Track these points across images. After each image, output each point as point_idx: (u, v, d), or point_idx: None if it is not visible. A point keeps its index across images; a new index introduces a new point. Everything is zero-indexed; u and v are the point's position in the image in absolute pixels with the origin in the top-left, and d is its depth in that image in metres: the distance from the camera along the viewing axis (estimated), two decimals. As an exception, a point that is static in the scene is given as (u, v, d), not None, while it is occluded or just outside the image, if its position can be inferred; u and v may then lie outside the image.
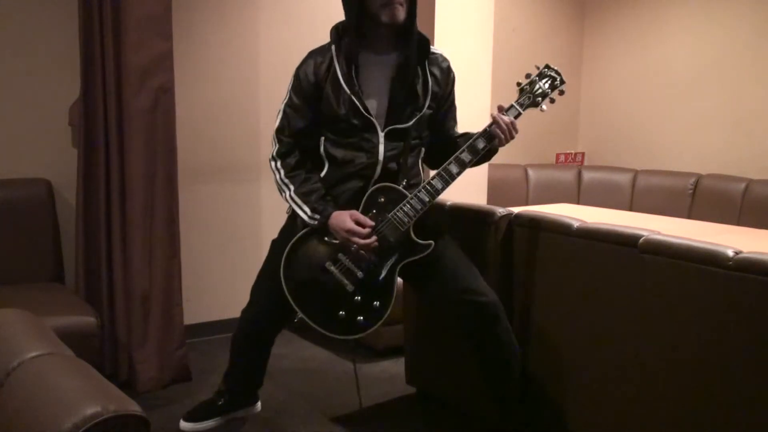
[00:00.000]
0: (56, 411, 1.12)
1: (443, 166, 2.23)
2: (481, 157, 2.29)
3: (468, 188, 3.81)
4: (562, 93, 2.31)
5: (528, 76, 2.31)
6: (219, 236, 3.76)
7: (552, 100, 2.30)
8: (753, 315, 1.81)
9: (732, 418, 1.87)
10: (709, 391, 1.92)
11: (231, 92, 3.72)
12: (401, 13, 2.19)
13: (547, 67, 2.31)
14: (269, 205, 3.89)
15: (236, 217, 3.81)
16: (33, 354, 1.35)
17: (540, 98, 2.27)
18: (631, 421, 2.15)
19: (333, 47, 2.30)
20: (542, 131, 5.23)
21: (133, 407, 1.15)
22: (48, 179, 3.17)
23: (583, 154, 5.58)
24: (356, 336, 2.31)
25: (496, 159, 3.17)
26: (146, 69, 2.86)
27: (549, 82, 2.28)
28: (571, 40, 5.48)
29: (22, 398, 1.23)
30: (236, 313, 3.77)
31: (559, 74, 2.30)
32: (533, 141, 5.17)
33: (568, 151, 5.52)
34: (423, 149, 2.40)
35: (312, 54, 2.34)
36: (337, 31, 2.33)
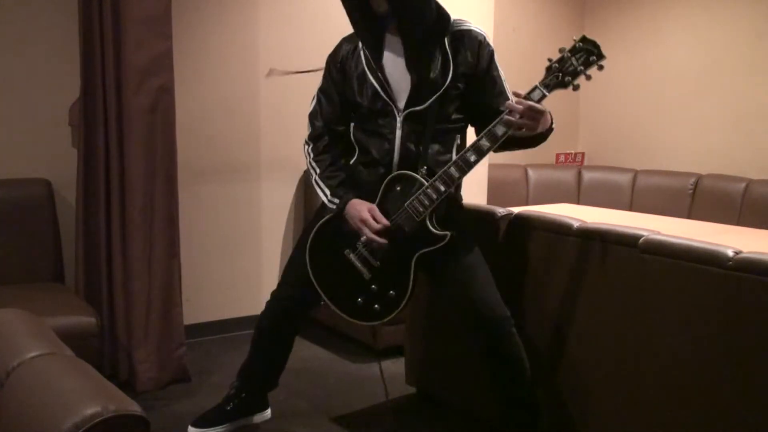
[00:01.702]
0: (56, 411, 1.12)
1: (461, 153, 2.16)
2: (525, 143, 2.21)
3: (468, 188, 3.81)
4: (600, 68, 2.07)
5: (561, 50, 2.08)
6: (219, 236, 3.76)
7: (588, 77, 2.06)
8: (753, 315, 1.81)
9: (732, 418, 1.87)
10: (709, 390, 1.92)
11: (231, 92, 3.72)
12: (381, 6, 2.16)
13: (583, 39, 2.07)
14: (269, 205, 3.89)
15: (236, 217, 3.81)
16: (33, 354, 1.35)
17: (570, 77, 2.06)
18: (630, 421, 2.15)
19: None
20: (542, 131, 5.23)
21: (133, 407, 1.15)
22: (48, 179, 3.17)
23: (583, 154, 5.58)
24: (373, 323, 2.35)
25: (496, 159, 3.17)
26: (146, 69, 2.86)
27: (584, 57, 2.06)
28: (571, 40, 5.48)
29: (22, 398, 1.23)
30: (236, 313, 3.82)
31: (596, 47, 2.06)
32: (533, 141, 5.17)
33: (568, 151, 5.53)
34: (459, 135, 2.32)
35: (342, 40, 2.39)
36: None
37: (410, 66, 2.22)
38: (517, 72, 5.16)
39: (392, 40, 2.26)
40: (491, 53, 2.28)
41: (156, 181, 2.95)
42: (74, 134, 3.22)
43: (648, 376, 2.08)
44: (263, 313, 2.58)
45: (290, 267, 2.55)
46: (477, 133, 2.30)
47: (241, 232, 3.83)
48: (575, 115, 5.61)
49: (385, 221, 2.22)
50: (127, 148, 2.90)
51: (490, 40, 2.31)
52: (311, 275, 2.37)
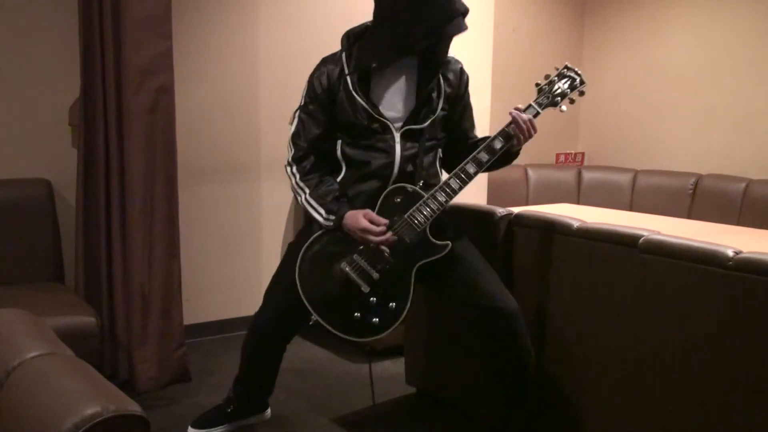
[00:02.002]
0: (56, 411, 1.12)
1: (460, 165, 2.22)
2: (502, 160, 2.31)
3: (468, 188, 3.80)
4: (582, 94, 2.32)
5: (547, 76, 2.31)
6: (219, 236, 3.77)
7: (571, 101, 2.31)
8: (753, 315, 1.81)
9: (732, 418, 1.87)
10: (709, 390, 1.92)
11: (231, 92, 3.72)
12: (422, 45, 2.24)
13: (567, 67, 2.32)
14: (269, 205, 3.89)
15: (236, 217, 3.81)
16: (33, 354, 1.35)
17: (559, 98, 2.28)
18: (630, 421, 2.15)
19: (344, 55, 2.32)
20: (542, 131, 5.20)
21: (133, 407, 1.15)
22: (48, 179, 3.17)
23: (583, 154, 5.58)
24: (371, 338, 2.29)
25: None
26: (146, 69, 2.86)
27: (568, 82, 2.30)
28: (571, 40, 5.48)
29: (22, 398, 1.23)
30: (236, 313, 3.82)
31: (579, 75, 2.32)
32: (533, 141, 5.15)
33: (568, 151, 5.53)
34: (440, 150, 2.42)
35: (324, 61, 2.37)
36: (348, 38, 2.34)
37: (418, 90, 2.31)
38: (517, 72, 5.18)
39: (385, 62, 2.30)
40: (467, 80, 2.45)
41: (156, 181, 2.95)
42: (74, 134, 3.22)
43: (648, 376, 2.08)
44: (248, 337, 2.56)
45: (274, 289, 2.49)
46: (443, 154, 2.45)
47: (241, 232, 3.83)
48: (575, 115, 5.61)
49: (383, 220, 2.22)
50: (127, 148, 2.90)
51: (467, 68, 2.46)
52: (302, 295, 2.29)
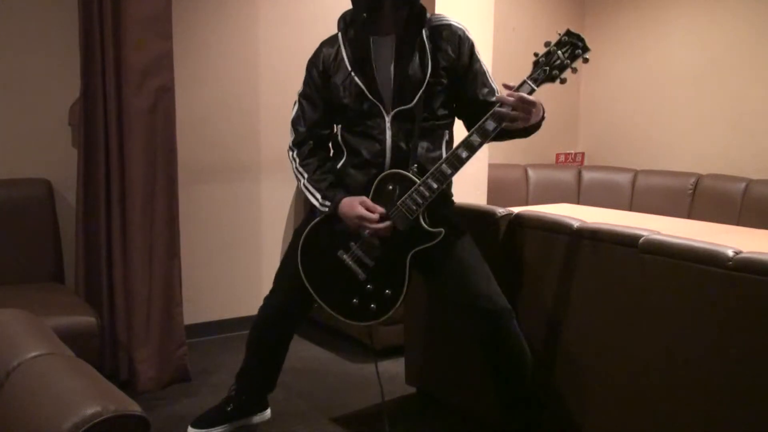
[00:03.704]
0: (56, 411, 1.12)
1: (452, 150, 2.16)
2: (515, 133, 2.18)
3: (468, 188, 3.81)
4: (585, 61, 2.10)
5: (547, 44, 2.10)
6: (219, 236, 3.76)
7: (574, 70, 2.09)
8: (753, 315, 1.81)
9: (732, 418, 1.87)
10: (709, 391, 1.92)
11: (231, 92, 3.72)
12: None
13: (568, 33, 2.09)
14: (269, 205, 3.89)
15: (236, 217, 3.81)
16: (33, 354, 1.35)
17: (557, 71, 2.07)
18: (630, 421, 2.15)
19: (340, 36, 2.32)
20: (542, 131, 5.22)
21: (133, 407, 1.15)
22: (48, 179, 3.17)
23: (583, 154, 5.58)
24: (370, 323, 2.33)
25: (496, 159, 3.18)
26: (146, 69, 2.87)
27: (569, 50, 2.08)
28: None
29: (22, 398, 1.23)
30: (236, 313, 3.82)
31: (581, 40, 2.08)
32: (533, 141, 5.14)
33: (568, 151, 5.52)
34: (447, 131, 2.33)
35: (322, 44, 2.38)
36: (344, 20, 2.34)
37: (395, 64, 2.23)
38: (518, 72, 5.15)
39: (376, 40, 2.26)
40: (471, 46, 2.30)
41: (156, 181, 2.95)
42: (74, 134, 3.22)
43: (648, 376, 2.08)
44: (257, 320, 2.57)
45: (281, 273, 2.53)
46: (465, 125, 2.32)
47: (241, 231, 3.83)
48: (575, 115, 5.60)
49: (379, 209, 2.22)
50: (127, 148, 2.90)
51: (470, 33, 2.32)
52: (304, 279, 2.35)
